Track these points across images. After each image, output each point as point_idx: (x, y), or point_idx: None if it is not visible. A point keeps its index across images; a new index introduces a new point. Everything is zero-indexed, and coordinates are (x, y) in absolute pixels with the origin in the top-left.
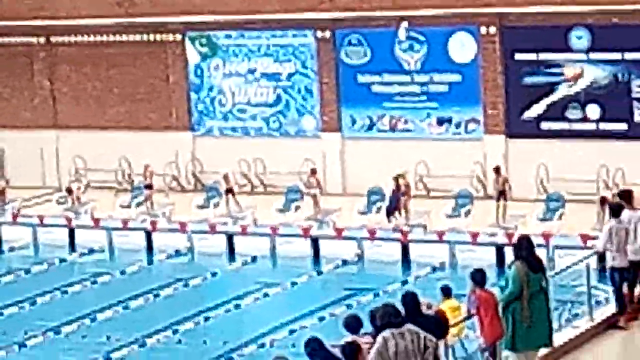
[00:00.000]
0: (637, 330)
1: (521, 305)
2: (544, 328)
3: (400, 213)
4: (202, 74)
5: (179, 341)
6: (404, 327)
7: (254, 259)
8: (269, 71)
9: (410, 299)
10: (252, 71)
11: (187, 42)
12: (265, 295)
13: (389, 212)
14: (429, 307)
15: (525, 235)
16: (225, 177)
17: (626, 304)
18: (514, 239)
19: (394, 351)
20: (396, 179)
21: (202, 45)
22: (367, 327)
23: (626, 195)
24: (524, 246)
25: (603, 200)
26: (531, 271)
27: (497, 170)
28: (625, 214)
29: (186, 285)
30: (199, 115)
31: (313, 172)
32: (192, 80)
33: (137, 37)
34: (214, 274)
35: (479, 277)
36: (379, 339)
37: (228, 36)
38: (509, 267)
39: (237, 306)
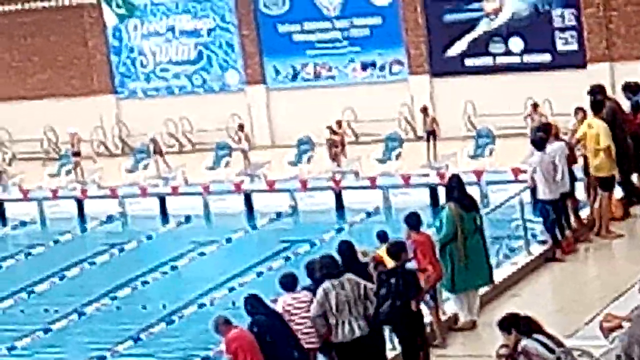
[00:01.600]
0: (574, 261)
1: (457, 246)
2: (482, 267)
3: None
4: (121, 35)
5: (118, 308)
6: (344, 277)
7: (187, 218)
8: (189, 28)
9: (345, 248)
10: (171, 29)
11: (104, 5)
12: (202, 254)
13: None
14: (365, 254)
15: (455, 174)
16: (154, 140)
17: (558, 235)
18: (446, 179)
19: (334, 302)
20: (339, 123)
21: (119, 6)
22: (304, 281)
23: (548, 129)
24: (454, 186)
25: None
26: (464, 211)
27: (424, 110)
28: (549, 147)
29: (121, 250)
30: (121, 77)
31: (241, 127)
32: (111, 42)
33: (52, 3)
34: (148, 237)
35: (413, 220)
36: (320, 291)
37: None
38: (442, 208)
39: (174, 268)
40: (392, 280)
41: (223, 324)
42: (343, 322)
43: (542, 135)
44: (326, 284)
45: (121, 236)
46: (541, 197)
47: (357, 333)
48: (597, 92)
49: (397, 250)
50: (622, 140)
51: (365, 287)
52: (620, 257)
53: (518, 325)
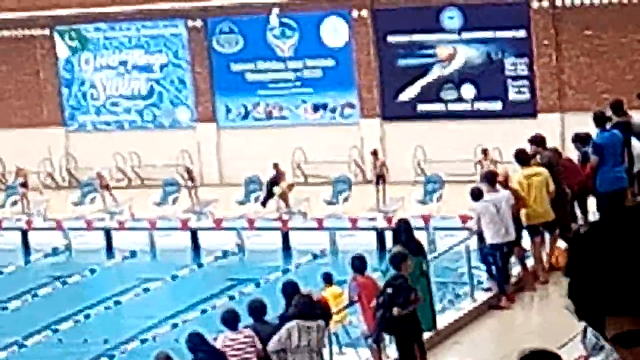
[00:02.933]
0: (518, 310)
1: None
2: (426, 312)
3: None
4: (72, 68)
5: (60, 340)
6: (314, 323)
7: (133, 253)
8: (141, 63)
9: (290, 289)
10: (123, 63)
11: (56, 37)
12: (146, 290)
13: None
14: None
15: (403, 219)
16: (100, 175)
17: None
18: (394, 223)
19: (296, 344)
20: (276, 165)
21: (71, 39)
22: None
23: (492, 178)
24: (402, 230)
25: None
26: (411, 255)
27: (374, 153)
28: (494, 195)
29: (65, 283)
30: (71, 110)
31: (188, 171)
32: (62, 75)
33: (5, 33)
34: (92, 271)
35: (358, 263)
36: (284, 329)
37: (97, 29)
38: (389, 252)
39: (118, 302)
40: (389, 290)
41: None
42: None
43: (478, 187)
44: (292, 324)
45: (65, 269)
46: (488, 242)
47: None
48: (533, 143)
49: (398, 260)
50: (558, 190)
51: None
52: (562, 307)
53: None
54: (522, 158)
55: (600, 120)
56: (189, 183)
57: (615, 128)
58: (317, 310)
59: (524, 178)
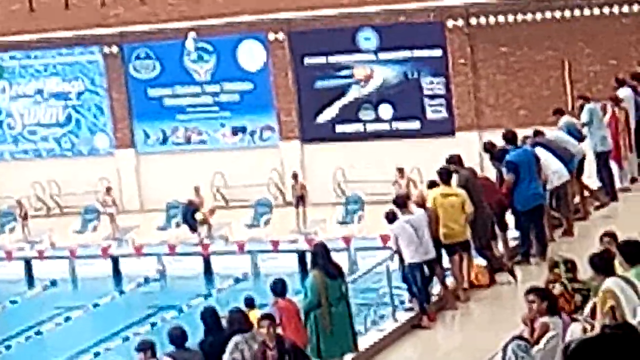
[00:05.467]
0: (439, 329)
1: (322, 314)
2: (347, 334)
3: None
4: None
5: None
6: (252, 333)
7: (53, 282)
8: (58, 90)
9: (208, 315)
10: (40, 92)
11: None
12: (67, 319)
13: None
14: None
15: (320, 242)
16: (19, 203)
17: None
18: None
19: (247, 355)
20: (197, 190)
21: None
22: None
23: (403, 200)
24: (319, 254)
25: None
26: (329, 278)
27: (294, 176)
28: (404, 217)
29: None
30: None
31: (108, 190)
32: None
33: None
34: (13, 302)
35: (279, 287)
36: (231, 343)
37: (13, 57)
38: (307, 276)
39: (39, 332)
40: None
41: None
42: None
43: (392, 210)
44: (238, 338)
45: None
46: (408, 261)
47: None
48: (450, 163)
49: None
50: (478, 209)
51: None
52: (485, 325)
53: None
54: (444, 177)
55: (510, 138)
56: (108, 199)
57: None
58: (250, 324)
59: (441, 196)
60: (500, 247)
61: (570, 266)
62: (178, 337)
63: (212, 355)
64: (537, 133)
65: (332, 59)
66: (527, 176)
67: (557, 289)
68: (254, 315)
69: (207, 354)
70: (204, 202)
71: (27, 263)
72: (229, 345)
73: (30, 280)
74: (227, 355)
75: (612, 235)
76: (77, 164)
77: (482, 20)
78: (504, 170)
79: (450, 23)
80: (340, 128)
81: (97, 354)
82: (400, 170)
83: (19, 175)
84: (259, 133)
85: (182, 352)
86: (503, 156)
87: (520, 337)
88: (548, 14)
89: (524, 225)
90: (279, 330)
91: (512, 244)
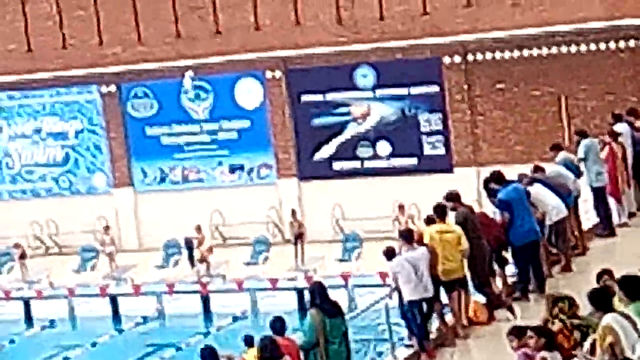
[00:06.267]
0: None
1: (320, 352)
2: None
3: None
4: None
5: None
6: None
7: (52, 322)
8: (56, 130)
9: (207, 354)
10: (38, 131)
11: None
12: (66, 358)
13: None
14: (230, 359)
15: (317, 281)
16: (17, 245)
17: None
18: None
19: None
20: (198, 228)
21: None
22: None
23: (406, 235)
24: (317, 293)
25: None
26: (328, 317)
27: (293, 213)
28: (411, 253)
29: None
30: None
31: (106, 229)
32: None
33: None
34: (11, 342)
35: (278, 326)
36: None
37: (11, 97)
38: (305, 316)
39: None
40: None
41: None
42: None
43: (391, 246)
44: None
45: None
46: (407, 299)
47: None
48: (449, 199)
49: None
50: (476, 246)
51: None
52: None
53: None
54: (440, 213)
55: (497, 178)
56: (107, 238)
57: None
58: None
59: (437, 233)
60: (498, 284)
61: (570, 303)
62: None
63: None
64: (537, 169)
65: (329, 97)
66: (521, 212)
67: (556, 325)
68: (253, 352)
69: None
70: (204, 240)
71: (26, 303)
72: None
73: (28, 320)
74: None
75: (609, 273)
76: (75, 203)
77: (479, 56)
78: (496, 210)
79: (447, 59)
80: (337, 165)
81: None
82: (401, 207)
83: (17, 214)
84: (256, 171)
85: None
86: (494, 196)
87: None
88: (545, 50)
89: (521, 260)
90: None
91: (511, 280)
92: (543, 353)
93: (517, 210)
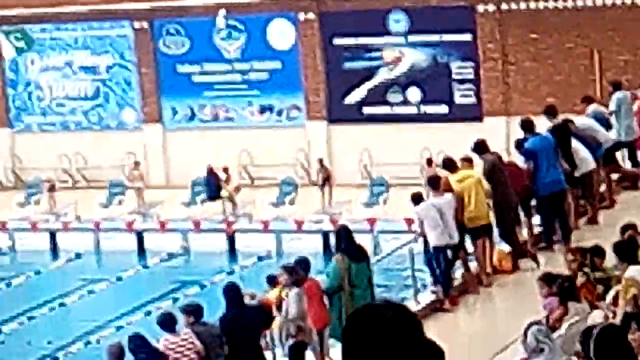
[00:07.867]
0: (461, 313)
1: (345, 296)
2: None
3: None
4: (17, 68)
5: (2, 342)
6: None
7: (78, 255)
8: (87, 64)
9: (229, 290)
10: (69, 64)
11: (1, 37)
12: (91, 292)
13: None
14: (253, 297)
15: (343, 225)
16: (48, 180)
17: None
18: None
19: None
20: (226, 169)
21: (17, 39)
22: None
23: (433, 182)
24: (342, 237)
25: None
26: (353, 261)
27: (320, 162)
28: (437, 199)
29: (9, 284)
30: (16, 111)
31: (136, 164)
32: (8, 75)
33: None
34: (37, 272)
35: (301, 266)
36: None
37: (43, 30)
38: (331, 259)
39: (62, 304)
40: None
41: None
42: None
43: (418, 192)
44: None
45: (9, 270)
46: (432, 245)
47: None
48: (475, 149)
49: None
50: (503, 194)
51: None
52: (505, 310)
53: None
54: (449, 165)
55: (527, 126)
56: (136, 174)
57: (553, 131)
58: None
59: (457, 183)
60: (524, 233)
61: (595, 254)
62: (195, 311)
63: (230, 331)
64: (567, 121)
65: (362, 41)
66: (545, 163)
67: (579, 278)
68: (276, 292)
69: (225, 328)
70: (230, 179)
71: (52, 235)
72: None
73: (54, 252)
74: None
75: (633, 227)
76: (104, 138)
77: (513, 5)
78: (521, 158)
79: (480, 8)
80: (367, 110)
81: (119, 328)
82: (429, 161)
83: (46, 147)
84: (286, 112)
85: (199, 326)
86: (522, 145)
87: (539, 322)
88: (579, 2)
89: (545, 211)
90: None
91: (537, 230)
92: (572, 304)
93: (540, 160)
